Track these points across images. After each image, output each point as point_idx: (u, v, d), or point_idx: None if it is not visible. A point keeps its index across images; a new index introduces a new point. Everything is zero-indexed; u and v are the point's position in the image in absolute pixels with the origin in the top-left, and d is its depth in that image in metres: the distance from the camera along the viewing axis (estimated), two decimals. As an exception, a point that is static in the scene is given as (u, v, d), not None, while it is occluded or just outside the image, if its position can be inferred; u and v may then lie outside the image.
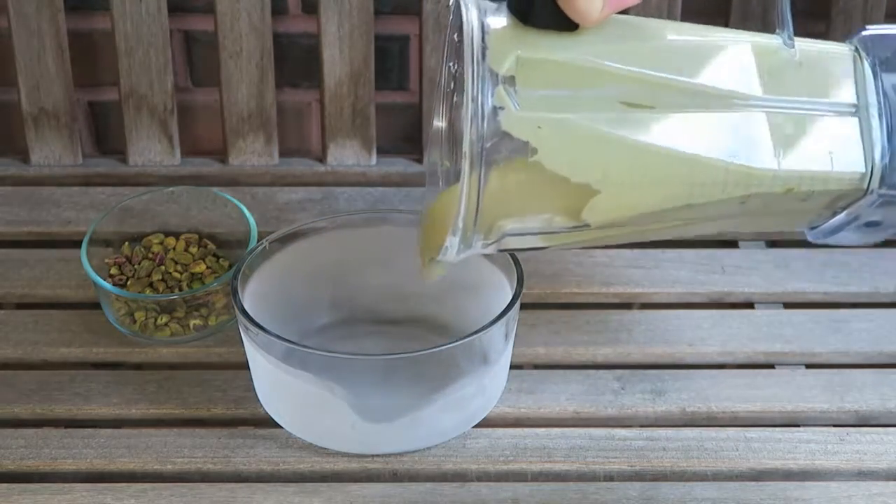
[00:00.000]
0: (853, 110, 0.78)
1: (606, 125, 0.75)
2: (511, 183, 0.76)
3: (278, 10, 1.13)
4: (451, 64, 0.84)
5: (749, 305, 1.02)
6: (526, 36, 0.75)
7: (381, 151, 1.15)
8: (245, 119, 1.13)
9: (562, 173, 0.75)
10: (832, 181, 0.78)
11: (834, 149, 0.78)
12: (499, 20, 0.76)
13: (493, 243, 0.79)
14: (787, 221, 0.83)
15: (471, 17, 0.76)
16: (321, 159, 1.15)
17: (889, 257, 1.05)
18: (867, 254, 1.05)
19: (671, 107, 0.76)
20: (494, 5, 0.77)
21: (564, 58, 0.75)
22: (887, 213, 0.80)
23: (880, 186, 0.78)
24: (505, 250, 0.81)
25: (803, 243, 1.06)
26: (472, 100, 0.74)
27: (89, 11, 1.14)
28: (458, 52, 0.79)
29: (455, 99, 0.82)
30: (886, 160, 0.78)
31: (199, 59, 1.17)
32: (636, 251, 1.05)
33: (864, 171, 0.78)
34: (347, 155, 1.14)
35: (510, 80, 0.75)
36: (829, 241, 0.83)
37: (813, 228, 0.83)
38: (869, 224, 0.81)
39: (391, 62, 1.15)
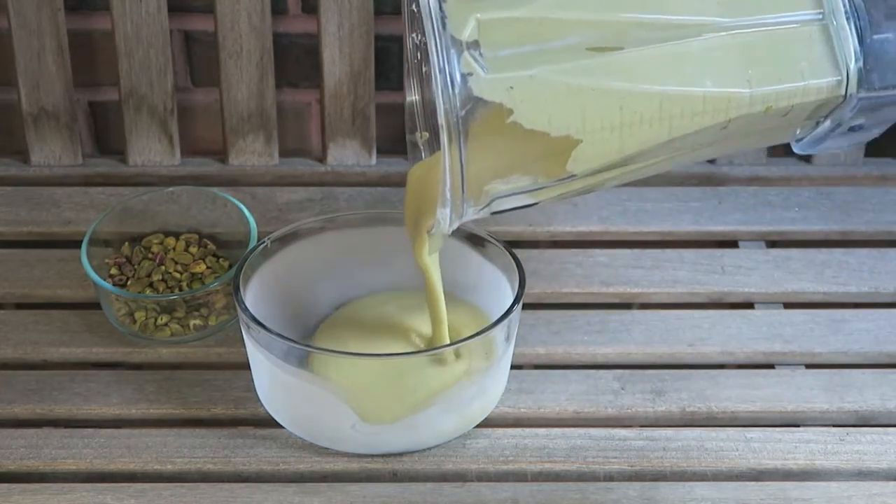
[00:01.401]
0: (819, 17, 0.77)
1: (577, 74, 0.75)
2: (492, 146, 0.75)
3: (278, 10, 1.13)
4: (414, 35, 0.83)
5: (749, 305, 1.02)
6: None
7: (381, 151, 1.15)
8: (245, 119, 1.13)
9: (540, 129, 0.75)
10: (809, 93, 0.77)
11: (806, 61, 0.77)
12: None
13: (484, 208, 0.79)
14: (772, 137, 0.83)
15: None
16: (321, 159, 1.15)
17: (889, 257, 1.05)
18: (867, 254, 1.05)
19: (638, 44, 0.76)
20: None
21: (524, 13, 0.75)
22: (869, 115, 0.80)
23: (858, 90, 0.78)
24: (498, 212, 0.81)
25: (803, 243, 1.07)
26: (440, 71, 0.74)
27: (89, 11, 1.14)
28: (419, 23, 0.78)
29: (424, 69, 0.82)
30: (861, 63, 0.77)
31: (199, 59, 1.17)
32: (636, 251, 1.05)
33: (839, 77, 0.77)
34: (347, 155, 1.14)
35: (474, 45, 0.74)
36: (817, 150, 0.83)
37: (798, 141, 0.82)
38: (853, 129, 0.81)
39: (391, 62, 1.15)
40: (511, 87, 0.74)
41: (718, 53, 0.76)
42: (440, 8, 0.75)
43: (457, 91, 0.74)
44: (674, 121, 0.77)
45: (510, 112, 0.75)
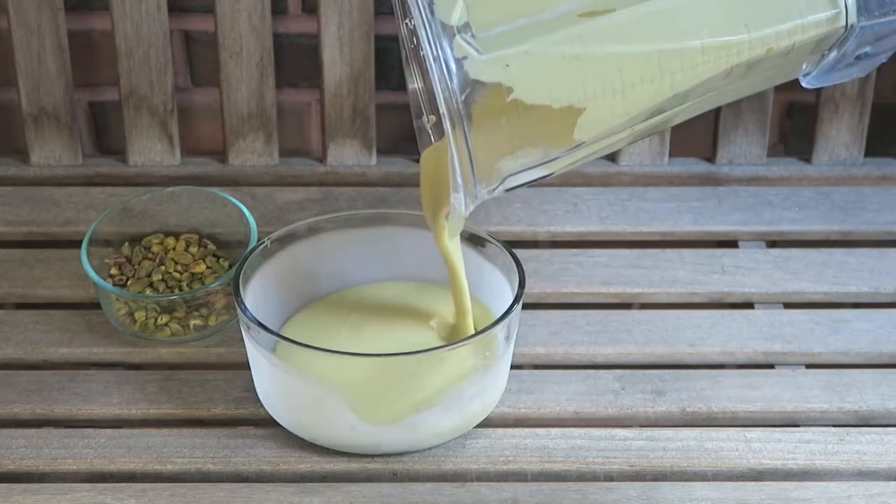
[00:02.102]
0: None
1: (572, 43, 0.74)
2: (496, 126, 0.75)
3: (278, 10, 1.13)
4: (406, 21, 0.83)
5: (749, 305, 1.02)
6: None
7: (381, 151, 1.15)
8: (245, 119, 1.13)
9: (542, 102, 0.75)
10: (809, 29, 0.77)
11: None
12: None
13: (497, 186, 0.79)
14: (778, 76, 0.81)
15: None
16: (321, 159, 1.15)
17: (889, 257, 1.05)
18: (867, 254, 1.05)
19: (629, 3, 0.75)
20: None
21: None
22: (874, 43, 0.79)
23: (858, 20, 0.77)
24: (513, 188, 0.80)
25: (803, 243, 1.07)
26: (434, 59, 0.74)
27: (89, 11, 1.14)
28: (409, 8, 0.78)
29: (421, 54, 0.82)
30: None
31: (199, 59, 1.17)
32: (636, 251, 1.05)
33: (837, 9, 0.77)
34: (347, 155, 1.14)
35: (465, 27, 0.74)
36: (826, 82, 0.82)
37: (806, 76, 0.82)
38: (859, 57, 0.80)
39: (391, 62, 1.15)
40: (507, 65, 0.74)
41: (711, 2, 0.76)
42: None
43: (453, 77, 0.74)
44: (675, 76, 0.76)
45: (510, 90, 0.74)
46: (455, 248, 0.88)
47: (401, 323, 0.92)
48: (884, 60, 0.81)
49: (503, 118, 0.75)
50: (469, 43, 0.74)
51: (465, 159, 0.75)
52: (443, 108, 0.74)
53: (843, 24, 0.77)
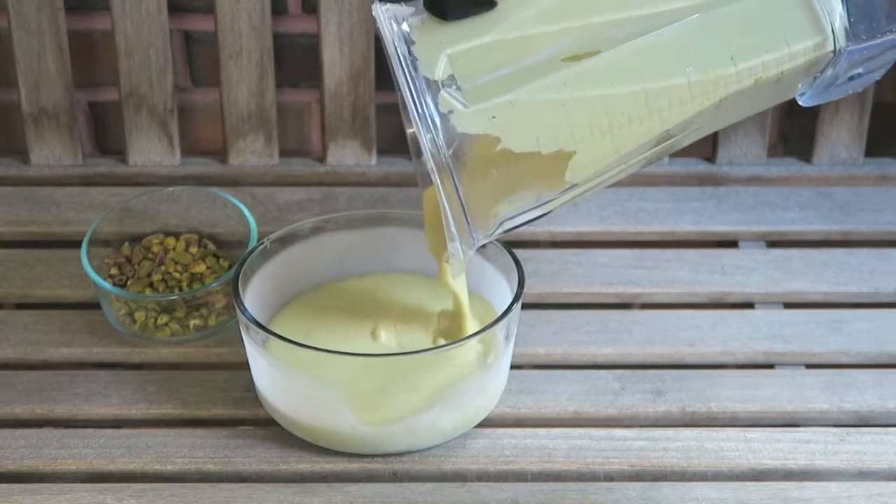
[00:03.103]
0: None
1: (557, 89, 0.74)
2: (487, 174, 0.75)
3: (278, 10, 1.13)
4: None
5: (749, 305, 1.02)
6: (448, 30, 0.75)
7: (381, 151, 1.15)
8: (245, 119, 1.13)
9: (531, 150, 0.75)
10: (797, 57, 0.76)
11: (787, 25, 0.76)
12: (418, 23, 0.75)
13: (494, 231, 0.79)
14: (774, 99, 0.81)
15: (391, 32, 0.75)
16: (321, 159, 1.15)
17: (889, 257, 1.05)
18: (867, 254, 1.05)
19: (613, 43, 0.75)
20: (409, 9, 0.76)
21: (493, 38, 0.74)
22: (866, 63, 0.78)
23: (847, 44, 0.77)
24: (510, 230, 0.81)
25: (803, 243, 1.07)
26: (420, 117, 0.74)
27: (89, 11, 1.14)
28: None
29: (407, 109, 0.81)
30: (845, 17, 0.76)
31: (199, 59, 1.17)
32: (636, 251, 1.05)
33: (824, 36, 0.76)
34: (347, 155, 1.14)
35: (450, 80, 0.74)
36: (822, 100, 0.81)
37: (801, 95, 0.81)
38: (853, 77, 0.80)
39: (391, 62, 1.15)
40: (493, 117, 0.74)
41: (695, 37, 0.76)
42: (409, 51, 0.74)
43: (440, 132, 0.74)
44: (663, 112, 0.76)
45: (498, 140, 0.75)
46: (460, 284, 0.88)
47: (397, 317, 0.92)
48: (878, 78, 0.81)
49: (493, 168, 0.75)
50: (454, 96, 0.74)
51: (458, 210, 0.76)
52: (431, 164, 0.75)
53: (832, 49, 0.77)
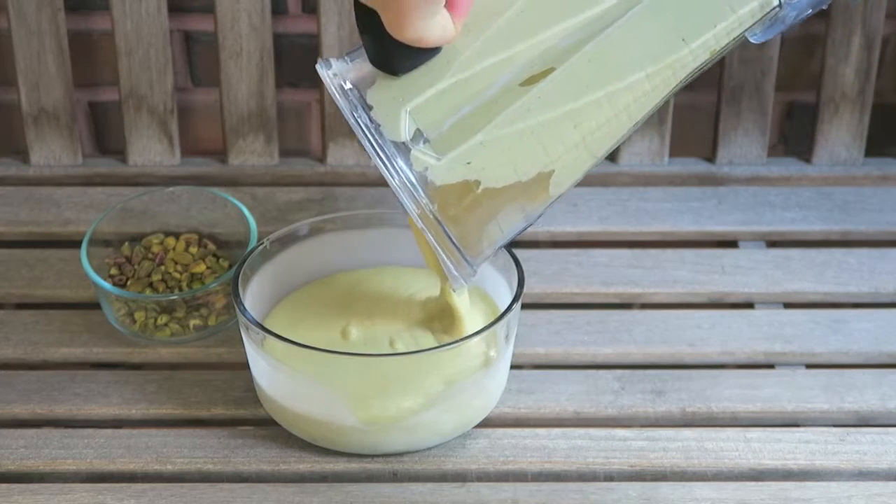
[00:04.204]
0: None
1: (522, 118, 0.75)
2: (474, 211, 0.76)
3: (278, 10, 1.13)
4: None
5: (749, 305, 1.02)
6: (401, 84, 0.75)
7: (381, 151, 1.15)
8: (245, 119, 1.13)
9: (511, 182, 0.76)
10: (745, 20, 0.77)
11: None
12: (368, 82, 0.75)
13: (489, 253, 0.80)
14: (732, 50, 0.81)
15: (348, 104, 0.75)
16: (321, 159, 1.15)
17: (889, 257, 1.05)
18: (867, 254, 1.05)
19: (563, 55, 0.75)
20: (355, 66, 0.76)
21: (447, 82, 0.75)
22: (815, 6, 0.78)
23: None
24: (501, 246, 0.82)
25: (803, 243, 1.07)
26: (398, 183, 0.74)
27: (89, 11, 1.14)
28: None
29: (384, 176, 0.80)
30: None
31: (199, 59, 1.17)
32: (636, 251, 1.05)
33: None
34: (347, 155, 1.14)
35: (416, 136, 0.75)
36: (772, 36, 0.81)
37: (753, 36, 0.82)
38: (801, 13, 0.79)
39: (391, 62, 1.15)
40: (469, 162, 0.75)
41: (642, 29, 0.76)
42: (370, 119, 0.75)
43: (420, 190, 0.75)
44: (629, 108, 0.77)
45: (477, 183, 0.76)
46: (462, 303, 0.88)
47: (392, 311, 0.92)
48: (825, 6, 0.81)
49: (478, 206, 0.76)
50: (425, 153, 0.75)
51: (454, 252, 0.77)
52: (420, 224, 0.76)
53: (777, 3, 0.77)
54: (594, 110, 0.76)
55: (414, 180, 0.75)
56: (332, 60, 0.77)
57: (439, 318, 0.90)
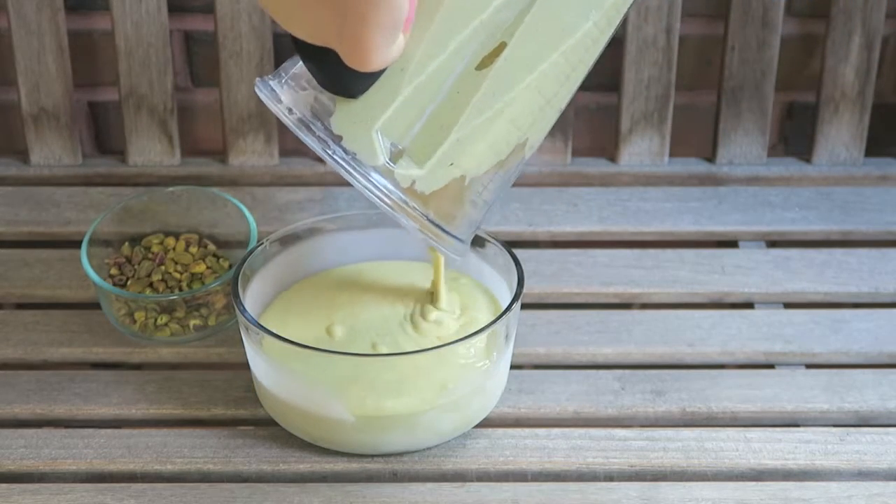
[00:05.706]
0: None
1: (488, 103, 0.75)
2: (464, 203, 0.77)
3: (278, 10, 1.13)
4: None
5: (749, 305, 1.02)
6: (363, 105, 0.74)
7: (381, 151, 1.15)
8: (245, 119, 1.13)
9: (494, 162, 0.77)
10: None
11: None
12: (328, 109, 0.74)
13: (479, 222, 0.80)
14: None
15: (316, 140, 0.74)
16: (321, 159, 1.15)
17: (889, 257, 1.05)
18: (867, 254, 1.05)
19: (510, 29, 0.74)
20: (301, 94, 0.74)
21: (408, 89, 0.74)
22: None
23: None
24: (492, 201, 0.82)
25: (803, 243, 1.07)
26: (391, 205, 0.74)
27: (89, 11, 1.14)
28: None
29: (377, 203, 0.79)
30: None
31: (199, 59, 1.17)
32: (636, 251, 1.05)
33: None
34: (347, 155, 1.14)
35: (396, 154, 0.74)
36: None
37: None
38: None
39: (391, 62, 1.15)
40: (451, 164, 0.75)
41: None
42: (345, 152, 0.74)
43: (413, 204, 0.75)
44: (584, 57, 0.77)
45: (464, 177, 0.76)
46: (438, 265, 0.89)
47: (385, 303, 0.92)
48: None
49: (468, 193, 0.77)
50: (407, 167, 0.74)
51: (452, 242, 0.77)
52: (421, 236, 0.76)
53: None
54: (552, 72, 0.76)
55: (405, 197, 0.75)
56: (274, 86, 0.75)
57: (421, 304, 0.90)
